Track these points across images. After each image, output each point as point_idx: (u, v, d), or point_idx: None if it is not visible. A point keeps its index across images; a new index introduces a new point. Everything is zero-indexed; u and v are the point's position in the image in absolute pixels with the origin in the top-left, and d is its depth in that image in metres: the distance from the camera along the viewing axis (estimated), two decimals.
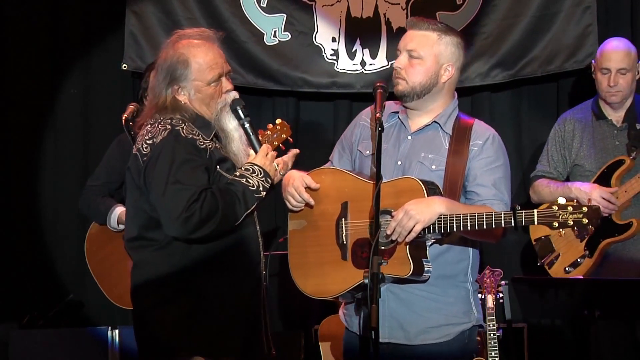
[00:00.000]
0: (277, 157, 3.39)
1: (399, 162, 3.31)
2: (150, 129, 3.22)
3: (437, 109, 3.37)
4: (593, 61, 4.57)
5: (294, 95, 5.54)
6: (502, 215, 3.08)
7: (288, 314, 5.25)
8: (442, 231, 3.12)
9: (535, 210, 3.07)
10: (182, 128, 3.18)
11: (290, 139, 4.73)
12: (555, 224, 3.04)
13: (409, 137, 3.35)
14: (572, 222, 3.04)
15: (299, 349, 4.98)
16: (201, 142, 3.19)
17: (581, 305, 3.64)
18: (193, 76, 3.24)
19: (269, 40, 5.41)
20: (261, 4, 5.41)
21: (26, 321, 5.18)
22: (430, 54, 3.32)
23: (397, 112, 3.42)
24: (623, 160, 4.35)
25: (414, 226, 3.07)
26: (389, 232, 3.12)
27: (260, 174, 3.26)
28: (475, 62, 5.30)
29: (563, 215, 3.05)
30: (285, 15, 5.41)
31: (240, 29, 5.40)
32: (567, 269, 4.39)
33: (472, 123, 3.37)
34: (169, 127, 3.18)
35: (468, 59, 5.27)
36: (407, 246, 3.12)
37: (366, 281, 2.90)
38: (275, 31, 5.41)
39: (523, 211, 3.07)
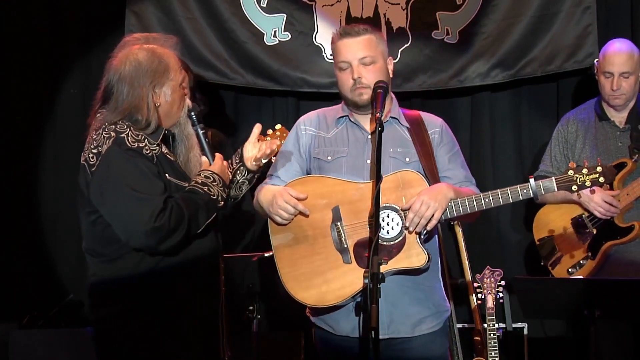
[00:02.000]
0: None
1: (369, 161, 3.35)
2: (95, 135, 3.16)
3: (387, 105, 3.44)
4: (596, 62, 4.55)
5: (294, 95, 5.53)
6: (519, 188, 3.18)
7: (288, 314, 5.25)
8: (455, 215, 3.22)
9: (553, 178, 3.20)
10: (127, 135, 3.12)
11: None
12: (574, 187, 3.18)
13: (370, 137, 3.39)
14: (589, 183, 3.19)
15: (299, 349, 4.98)
16: (147, 148, 3.14)
17: (581, 305, 3.64)
18: (171, 76, 3.23)
19: (269, 40, 5.41)
20: (261, 4, 5.41)
21: (26, 321, 5.18)
22: (379, 55, 3.42)
23: (346, 116, 3.48)
24: (625, 163, 4.34)
25: (433, 214, 3.14)
26: (407, 224, 3.16)
27: (220, 183, 3.24)
28: (475, 62, 5.29)
29: (580, 177, 3.19)
30: (285, 15, 5.40)
31: (240, 29, 5.40)
32: (570, 270, 4.39)
33: (419, 114, 3.51)
34: (113, 134, 3.12)
35: (468, 58, 5.30)
36: (417, 237, 3.16)
37: (366, 281, 2.91)
38: (275, 31, 5.41)
39: (541, 181, 3.19)
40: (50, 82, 5.62)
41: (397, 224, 3.21)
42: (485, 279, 4.79)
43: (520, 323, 5.03)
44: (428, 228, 3.17)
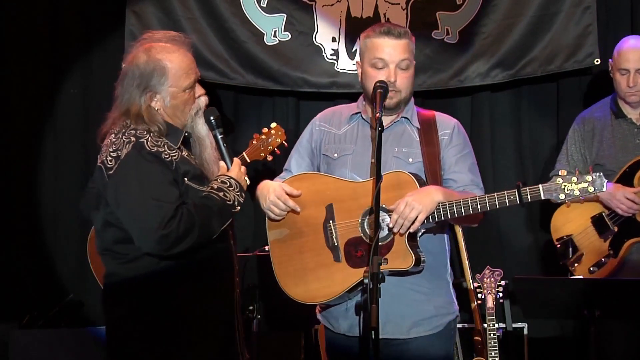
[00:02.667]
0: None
1: (373, 160, 3.33)
2: (114, 139, 3.14)
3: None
4: (610, 60, 4.53)
5: (294, 95, 5.54)
6: (506, 194, 3.10)
7: (288, 314, 5.26)
8: (443, 218, 3.16)
9: (540, 185, 3.08)
10: (147, 140, 3.11)
11: (285, 143, 4.74)
12: (562, 196, 3.06)
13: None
14: (578, 192, 3.06)
15: (299, 349, 4.98)
16: (166, 153, 3.12)
17: (581, 305, 3.64)
18: (170, 83, 3.18)
19: (269, 40, 5.41)
20: (261, 4, 5.41)
21: (26, 321, 5.19)
22: (412, 61, 3.40)
23: (358, 113, 3.46)
24: None
25: (417, 216, 3.10)
26: (391, 225, 3.13)
27: (237, 188, 3.22)
28: (475, 62, 5.29)
29: (568, 186, 3.06)
30: (285, 15, 5.40)
31: (240, 29, 5.40)
32: (591, 269, 4.35)
33: (433, 114, 3.46)
34: (133, 139, 3.10)
35: (467, 58, 5.30)
36: (405, 238, 3.13)
37: (366, 281, 2.90)
38: (275, 31, 5.41)
39: (528, 187, 3.09)
40: (50, 82, 5.62)
41: (387, 225, 3.20)
42: (485, 279, 4.79)
43: (520, 323, 5.02)
44: (411, 230, 3.13)
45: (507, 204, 3.10)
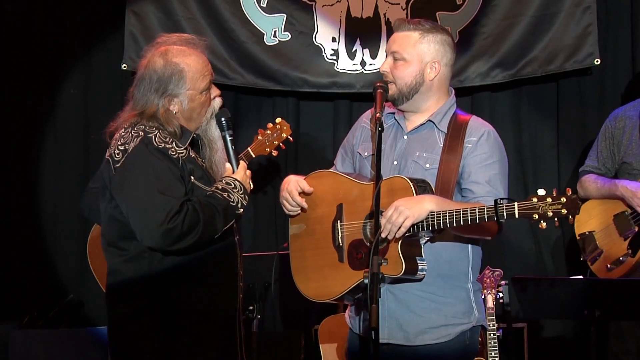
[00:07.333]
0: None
1: (395, 162, 3.31)
2: (123, 133, 3.16)
3: (431, 107, 3.36)
4: None
5: (294, 95, 5.54)
6: (485, 209, 3.03)
7: (288, 314, 5.26)
8: (432, 228, 3.10)
9: (516, 203, 3.02)
10: (155, 136, 3.12)
11: (291, 138, 4.75)
12: (535, 216, 2.99)
13: (405, 137, 3.35)
14: (551, 214, 2.99)
15: (299, 349, 4.99)
16: (173, 150, 3.13)
17: (581, 305, 3.64)
18: (188, 86, 3.20)
19: (269, 40, 5.42)
20: (261, 4, 5.41)
21: (26, 321, 5.19)
22: (412, 54, 3.31)
23: (394, 113, 3.41)
24: None
25: (403, 222, 3.05)
26: (381, 229, 3.08)
27: (241, 190, 3.24)
28: (475, 62, 5.29)
29: (542, 207, 2.99)
30: (285, 15, 5.41)
31: (240, 29, 5.40)
32: (609, 266, 4.34)
33: (468, 119, 3.35)
34: (141, 133, 3.12)
35: (467, 58, 5.30)
36: (399, 245, 3.11)
37: (366, 281, 2.89)
38: (275, 31, 5.42)
39: (505, 205, 3.02)
40: (50, 82, 5.62)
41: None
42: (485, 279, 4.78)
43: (520, 323, 5.02)
44: (397, 236, 3.09)
45: (486, 219, 3.03)
